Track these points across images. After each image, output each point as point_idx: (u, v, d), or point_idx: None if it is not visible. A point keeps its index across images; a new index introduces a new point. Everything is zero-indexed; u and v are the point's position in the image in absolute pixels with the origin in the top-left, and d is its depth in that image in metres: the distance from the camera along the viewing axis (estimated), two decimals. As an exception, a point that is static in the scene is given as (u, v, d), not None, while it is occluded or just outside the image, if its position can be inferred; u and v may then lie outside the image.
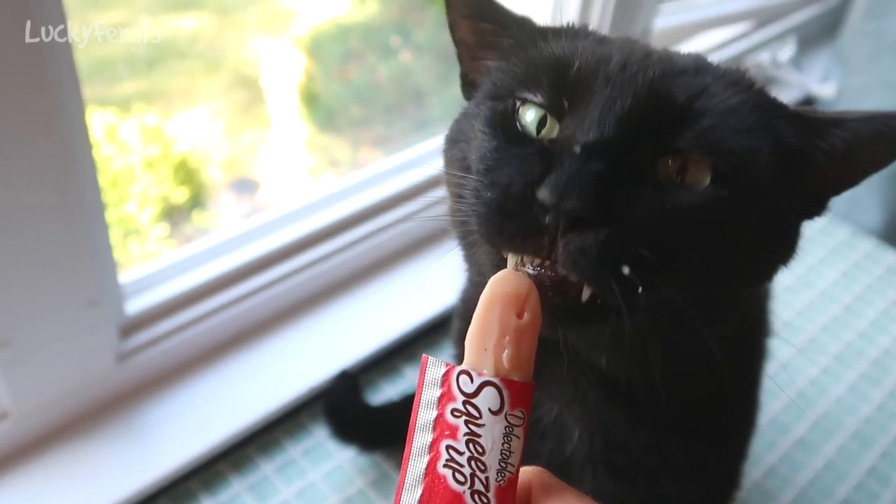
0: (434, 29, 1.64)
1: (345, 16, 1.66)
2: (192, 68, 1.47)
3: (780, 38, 1.68)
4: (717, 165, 0.47)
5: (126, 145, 1.36)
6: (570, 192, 0.43)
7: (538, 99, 0.50)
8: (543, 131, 0.50)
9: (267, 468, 0.95)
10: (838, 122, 0.50)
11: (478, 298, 0.41)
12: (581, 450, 0.63)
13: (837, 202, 0.55)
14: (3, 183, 0.72)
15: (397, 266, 1.16)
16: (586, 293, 0.46)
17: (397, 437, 0.91)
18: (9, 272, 0.77)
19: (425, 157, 1.18)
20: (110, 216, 1.08)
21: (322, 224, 1.09)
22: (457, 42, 0.60)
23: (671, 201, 0.46)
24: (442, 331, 1.09)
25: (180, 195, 1.39)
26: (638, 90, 0.48)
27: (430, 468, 0.39)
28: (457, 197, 0.51)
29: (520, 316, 0.40)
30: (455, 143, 0.55)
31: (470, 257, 0.57)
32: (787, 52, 1.65)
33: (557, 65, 0.51)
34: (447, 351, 0.94)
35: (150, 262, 0.99)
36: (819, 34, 1.80)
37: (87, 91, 0.78)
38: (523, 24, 0.57)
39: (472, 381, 0.40)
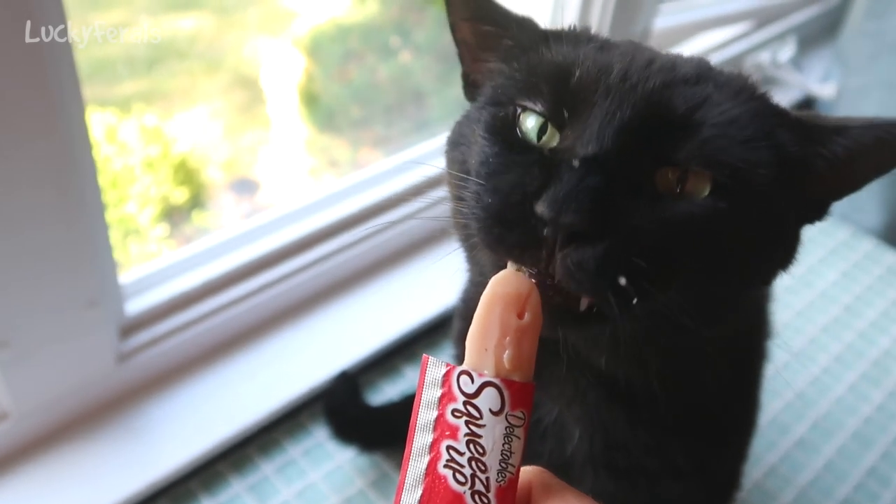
0: (434, 29, 1.64)
1: (345, 16, 1.66)
2: (192, 68, 1.47)
3: (780, 38, 1.68)
4: (716, 177, 0.47)
5: (126, 145, 1.36)
6: (567, 208, 0.43)
7: (538, 108, 0.50)
8: (544, 138, 0.50)
9: (267, 468, 0.95)
10: (840, 129, 0.50)
11: (478, 298, 0.41)
12: (581, 450, 0.63)
13: (837, 203, 0.55)
14: (3, 183, 0.72)
15: (397, 266, 1.16)
16: (584, 302, 0.47)
17: (397, 438, 0.91)
18: (9, 272, 0.77)
19: (425, 157, 1.19)
20: (110, 216, 1.08)
21: (322, 224, 1.09)
22: (458, 42, 0.60)
23: (670, 211, 0.46)
24: (442, 331, 1.09)
25: (180, 195, 1.39)
26: (638, 101, 0.48)
27: (431, 468, 0.39)
28: (458, 199, 0.51)
29: (521, 316, 0.41)
30: (456, 145, 0.56)
31: (472, 258, 0.57)
32: (787, 52, 1.65)
33: (558, 73, 0.51)
34: (447, 351, 0.94)
35: (150, 262, 0.99)
36: (819, 34, 1.80)
37: (87, 91, 0.78)
38: (524, 25, 0.57)
39: (472, 381, 0.40)
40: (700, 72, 0.52)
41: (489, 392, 0.39)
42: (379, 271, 1.15)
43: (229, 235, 1.03)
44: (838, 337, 1.22)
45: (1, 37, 0.65)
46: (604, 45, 0.54)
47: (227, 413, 0.95)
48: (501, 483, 0.39)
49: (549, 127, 0.50)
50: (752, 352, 0.67)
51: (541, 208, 0.44)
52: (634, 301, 0.44)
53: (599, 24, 1.16)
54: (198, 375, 0.99)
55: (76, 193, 0.78)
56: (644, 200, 0.46)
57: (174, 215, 1.40)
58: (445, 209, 0.57)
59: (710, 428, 0.64)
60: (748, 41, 1.63)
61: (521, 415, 0.40)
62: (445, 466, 0.39)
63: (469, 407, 0.39)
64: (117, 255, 0.90)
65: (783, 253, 0.54)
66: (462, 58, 0.61)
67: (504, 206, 0.46)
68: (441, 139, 0.58)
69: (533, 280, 0.44)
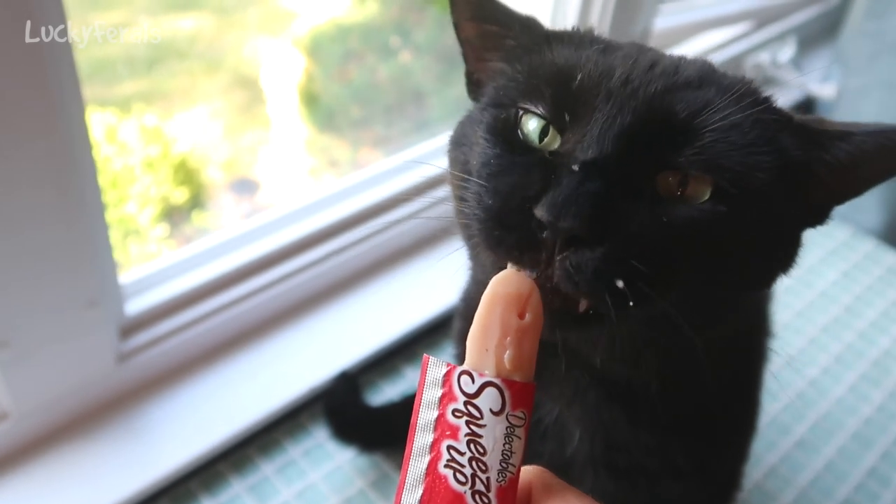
0: (434, 29, 1.64)
1: (345, 16, 1.66)
2: (192, 68, 1.47)
3: (780, 38, 1.68)
4: (717, 181, 0.47)
5: (126, 145, 1.36)
6: (566, 212, 0.43)
7: (540, 111, 0.50)
8: (545, 140, 0.50)
9: (267, 469, 0.95)
10: (844, 135, 0.50)
11: (479, 298, 0.41)
12: (582, 450, 0.63)
13: (837, 204, 0.55)
14: (3, 183, 0.72)
15: (397, 266, 1.16)
16: (583, 304, 0.47)
17: (397, 438, 0.91)
18: (9, 272, 0.77)
19: (425, 157, 1.18)
20: (110, 216, 1.08)
21: (322, 224, 1.09)
22: (462, 42, 0.60)
23: (670, 215, 0.47)
24: (443, 331, 1.09)
25: (180, 195, 1.39)
26: (639, 106, 0.48)
27: (431, 468, 0.39)
28: (460, 199, 0.51)
29: (521, 316, 0.41)
30: (459, 146, 0.56)
31: (475, 257, 0.57)
32: (787, 52, 1.65)
33: (560, 76, 0.51)
34: (448, 351, 0.94)
35: (149, 262, 0.99)
36: (819, 34, 1.80)
37: (87, 91, 0.78)
38: (528, 25, 0.57)
39: (473, 381, 0.40)
40: (703, 75, 0.52)
41: (490, 392, 0.39)
42: (379, 271, 1.15)
43: (229, 235, 1.03)
44: (838, 337, 1.22)
45: (1, 37, 0.65)
46: (607, 48, 0.54)
47: (227, 413, 0.95)
48: (502, 483, 0.39)
49: (551, 129, 0.50)
50: (752, 352, 0.67)
51: (540, 212, 0.44)
52: (631, 304, 0.44)
53: (599, 24, 1.16)
54: (198, 375, 0.99)
55: (76, 193, 0.78)
56: (644, 204, 0.46)
57: (174, 215, 1.40)
58: (446, 209, 0.57)
59: (711, 428, 0.64)
60: (748, 41, 1.63)
61: (521, 415, 0.40)
62: (446, 466, 0.39)
63: (470, 407, 0.39)
64: (117, 255, 0.90)
65: (783, 256, 0.54)
66: (466, 57, 0.61)
67: (504, 208, 0.46)
68: (441, 139, 0.59)
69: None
